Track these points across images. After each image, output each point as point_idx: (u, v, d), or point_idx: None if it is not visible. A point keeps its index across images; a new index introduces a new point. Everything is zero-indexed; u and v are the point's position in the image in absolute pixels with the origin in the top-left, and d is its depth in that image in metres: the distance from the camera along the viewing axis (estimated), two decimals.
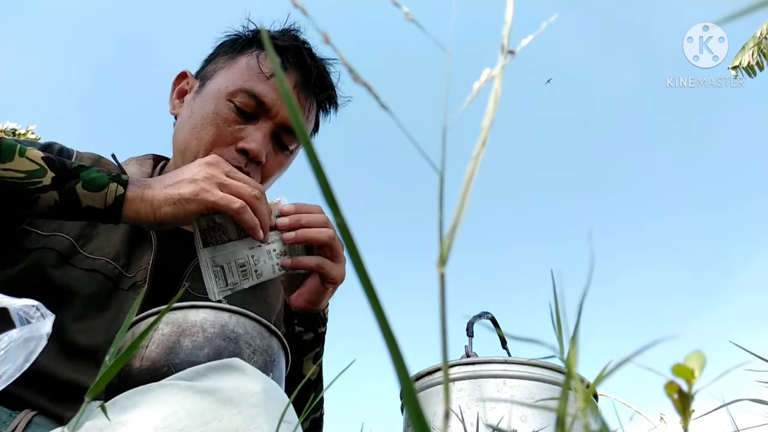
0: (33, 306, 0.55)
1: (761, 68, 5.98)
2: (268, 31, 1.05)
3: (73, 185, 0.74)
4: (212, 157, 0.83)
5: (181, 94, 1.06)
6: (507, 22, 0.23)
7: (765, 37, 5.93)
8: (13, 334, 0.52)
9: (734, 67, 5.83)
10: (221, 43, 1.08)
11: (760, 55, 5.93)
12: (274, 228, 0.85)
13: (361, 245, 0.17)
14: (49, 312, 0.56)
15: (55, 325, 0.80)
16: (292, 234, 0.85)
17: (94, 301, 0.87)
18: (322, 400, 1.01)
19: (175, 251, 0.97)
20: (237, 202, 0.78)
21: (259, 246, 0.84)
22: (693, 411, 0.27)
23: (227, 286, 0.83)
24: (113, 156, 1.01)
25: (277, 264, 0.86)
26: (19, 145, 0.74)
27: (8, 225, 0.88)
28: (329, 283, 0.87)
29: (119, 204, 0.75)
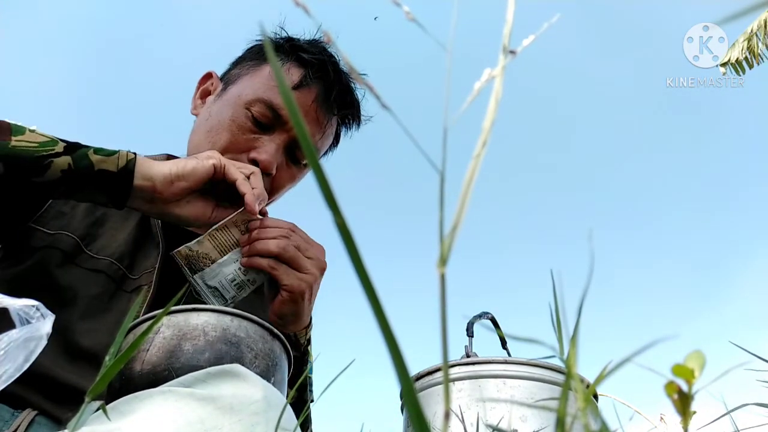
0: (33, 306, 0.55)
1: (750, 65, 5.92)
2: (298, 41, 1.05)
3: (85, 151, 0.75)
4: (214, 152, 0.85)
5: (205, 95, 1.06)
6: (508, 21, 0.23)
7: (755, 34, 5.88)
8: (13, 334, 0.52)
9: (723, 64, 5.77)
10: (249, 48, 1.09)
11: (748, 52, 5.88)
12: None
13: (361, 245, 0.17)
14: (49, 312, 0.56)
15: (58, 326, 0.80)
16: (245, 248, 0.86)
17: (97, 301, 0.87)
18: (308, 422, 1.00)
19: None
20: (241, 175, 0.82)
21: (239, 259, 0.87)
22: (694, 412, 0.27)
23: (227, 303, 0.86)
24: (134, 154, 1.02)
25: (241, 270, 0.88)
26: (26, 127, 0.76)
27: (18, 217, 0.88)
28: (285, 291, 0.85)
29: (131, 168, 0.76)
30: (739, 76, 5.84)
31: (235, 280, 0.87)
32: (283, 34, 1.07)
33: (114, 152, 0.77)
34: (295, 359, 0.91)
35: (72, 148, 0.75)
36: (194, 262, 0.84)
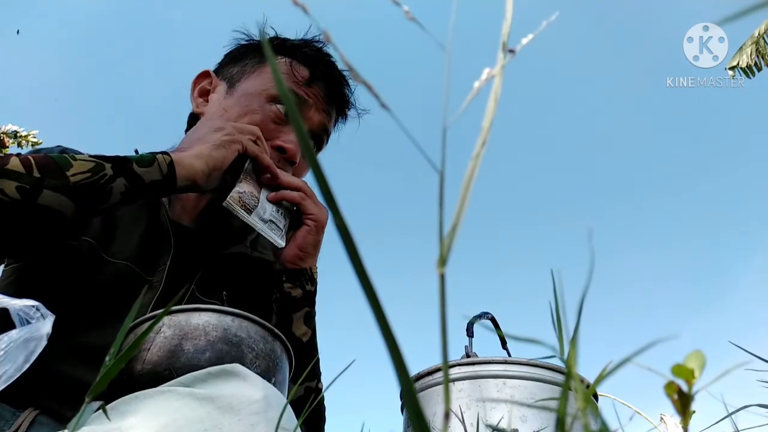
0: (33, 306, 0.55)
1: (759, 69, 5.95)
2: (293, 41, 1.10)
3: (130, 167, 0.79)
4: (230, 130, 0.91)
5: (203, 93, 1.08)
6: (507, 20, 0.23)
7: (763, 37, 5.90)
8: (13, 334, 0.52)
9: (732, 68, 5.80)
10: (245, 47, 1.12)
11: (758, 56, 5.90)
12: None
13: (361, 245, 0.17)
14: (49, 312, 0.56)
15: (78, 330, 0.82)
16: (267, 175, 0.95)
17: (117, 305, 0.87)
18: (317, 368, 1.00)
19: (191, 254, 0.98)
20: (258, 147, 0.92)
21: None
22: (693, 411, 0.27)
23: (282, 231, 0.95)
24: (135, 152, 1.04)
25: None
26: (65, 155, 0.78)
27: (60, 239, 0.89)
28: (311, 220, 0.95)
29: (173, 170, 0.82)
30: (749, 78, 5.88)
31: (279, 209, 0.95)
32: (273, 34, 1.11)
33: (151, 160, 0.81)
34: (309, 295, 0.99)
35: (118, 167, 0.78)
36: (247, 201, 0.91)
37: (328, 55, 1.10)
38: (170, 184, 0.81)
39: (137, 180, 0.79)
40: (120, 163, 0.79)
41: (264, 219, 0.92)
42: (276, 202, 0.95)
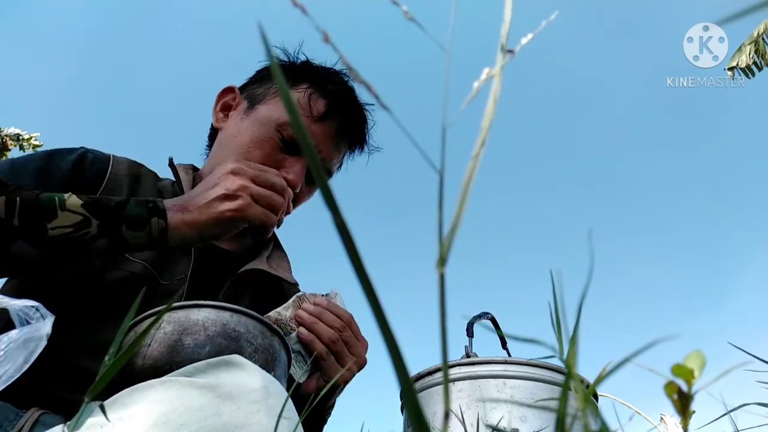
0: (33, 307, 0.55)
1: (759, 68, 5.96)
2: (319, 67, 1.11)
3: (118, 229, 0.77)
4: (236, 166, 0.86)
5: (225, 108, 1.11)
6: (506, 21, 0.23)
7: (762, 37, 5.91)
8: (13, 334, 0.52)
9: (731, 68, 5.81)
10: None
11: (757, 56, 5.92)
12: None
13: (361, 245, 0.17)
14: (49, 313, 0.56)
15: (94, 328, 0.83)
16: (295, 325, 0.91)
17: (134, 305, 0.88)
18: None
19: (211, 265, 0.99)
20: (273, 218, 0.86)
21: None
22: (693, 411, 0.27)
23: (307, 365, 0.90)
24: (170, 159, 1.07)
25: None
26: (56, 198, 0.75)
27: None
28: (324, 380, 0.90)
29: (164, 236, 0.80)
30: (749, 78, 5.89)
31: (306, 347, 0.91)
32: (302, 57, 1.12)
33: (145, 223, 0.78)
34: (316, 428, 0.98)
35: (106, 225, 0.76)
36: (282, 326, 0.89)
37: (352, 90, 1.10)
38: (159, 246, 0.80)
39: (121, 242, 0.77)
40: (109, 221, 0.77)
41: (293, 348, 0.89)
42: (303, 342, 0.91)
